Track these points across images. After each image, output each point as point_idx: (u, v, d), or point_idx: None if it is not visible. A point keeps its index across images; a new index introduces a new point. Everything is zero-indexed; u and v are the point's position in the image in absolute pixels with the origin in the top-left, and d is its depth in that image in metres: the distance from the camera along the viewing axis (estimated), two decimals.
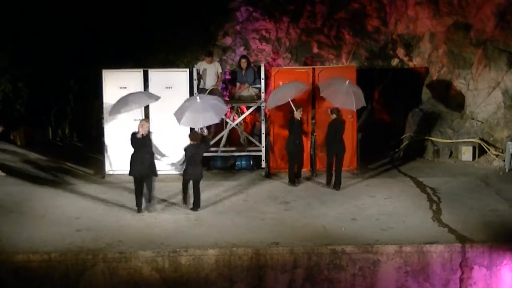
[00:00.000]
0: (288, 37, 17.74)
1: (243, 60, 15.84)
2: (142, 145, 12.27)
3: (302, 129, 14.36)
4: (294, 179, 14.18)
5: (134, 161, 12.31)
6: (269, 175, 15.02)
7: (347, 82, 13.82)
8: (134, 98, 13.64)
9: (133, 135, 12.34)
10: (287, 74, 15.42)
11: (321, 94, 14.31)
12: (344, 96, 13.62)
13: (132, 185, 14.03)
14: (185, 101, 13.36)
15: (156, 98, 13.89)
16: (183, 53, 17.46)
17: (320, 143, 14.66)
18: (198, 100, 12.86)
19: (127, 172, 14.83)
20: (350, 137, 14.98)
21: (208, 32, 17.70)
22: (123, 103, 13.54)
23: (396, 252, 10.53)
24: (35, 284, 10.28)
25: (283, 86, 14.51)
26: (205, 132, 13.72)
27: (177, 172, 14.69)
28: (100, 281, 10.35)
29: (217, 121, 13.26)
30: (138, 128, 12.29)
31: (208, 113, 12.63)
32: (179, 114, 12.89)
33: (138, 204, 12.40)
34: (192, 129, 13.80)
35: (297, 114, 13.94)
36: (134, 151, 12.33)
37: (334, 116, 13.80)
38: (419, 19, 17.05)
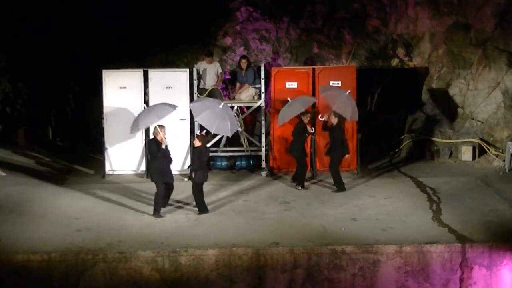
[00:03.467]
0: (288, 37, 17.74)
1: (243, 60, 15.84)
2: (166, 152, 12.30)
3: (307, 136, 14.27)
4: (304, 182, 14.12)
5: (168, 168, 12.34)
6: (269, 175, 15.02)
7: (347, 93, 13.92)
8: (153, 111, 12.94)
9: (157, 142, 12.17)
10: (287, 74, 15.42)
11: (321, 94, 14.37)
12: (342, 103, 13.65)
13: (132, 185, 14.12)
14: (205, 100, 13.50)
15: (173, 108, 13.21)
16: (183, 53, 17.46)
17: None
18: (220, 106, 12.67)
19: (127, 172, 14.88)
20: (350, 137, 14.99)
21: (208, 32, 17.69)
22: (144, 118, 12.85)
23: (396, 252, 10.52)
24: (35, 284, 10.27)
25: (292, 102, 14.22)
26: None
27: (177, 172, 14.72)
28: (100, 281, 10.35)
29: (228, 134, 13.18)
30: (160, 135, 12.15)
31: (225, 123, 12.43)
32: (197, 108, 12.87)
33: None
34: (192, 133, 13.76)
35: (305, 119, 13.88)
36: (162, 159, 12.21)
37: (336, 120, 13.75)
38: (419, 19, 17.04)
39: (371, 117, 17.45)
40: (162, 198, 12.30)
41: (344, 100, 13.71)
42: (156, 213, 12.14)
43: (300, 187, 13.93)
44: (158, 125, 12.33)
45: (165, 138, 12.21)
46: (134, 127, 12.89)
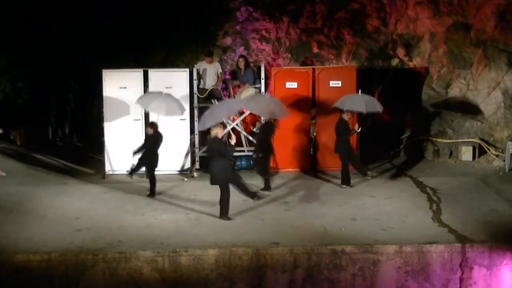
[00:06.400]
0: (288, 37, 17.74)
1: (241, 60, 15.87)
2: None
3: (352, 134, 14.17)
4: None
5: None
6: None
7: (268, 95, 14.04)
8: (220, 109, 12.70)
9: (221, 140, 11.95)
10: (287, 74, 15.43)
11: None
12: (260, 105, 13.71)
13: (132, 185, 14.12)
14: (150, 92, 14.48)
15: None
16: (183, 53, 17.48)
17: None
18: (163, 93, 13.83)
19: (127, 172, 14.85)
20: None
21: (208, 32, 17.71)
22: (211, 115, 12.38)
23: (396, 252, 10.52)
24: (35, 284, 10.27)
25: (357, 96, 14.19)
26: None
27: (176, 172, 14.73)
28: (100, 281, 10.35)
29: (162, 114, 13.55)
30: (218, 133, 11.86)
31: (161, 103, 13.41)
32: (144, 101, 14.06)
33: None
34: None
35: (345, 116, 13.79)
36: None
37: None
38: (419, 19, 17.03)
39: (371, 117, 17.45)
40: None
41: (262, 103, 13.69)
42: (225, 215, 11.93)
43: (346, 186, 13.86)
44: (221, 123, 12.13)
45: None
46: (206, 123, 12.28)
